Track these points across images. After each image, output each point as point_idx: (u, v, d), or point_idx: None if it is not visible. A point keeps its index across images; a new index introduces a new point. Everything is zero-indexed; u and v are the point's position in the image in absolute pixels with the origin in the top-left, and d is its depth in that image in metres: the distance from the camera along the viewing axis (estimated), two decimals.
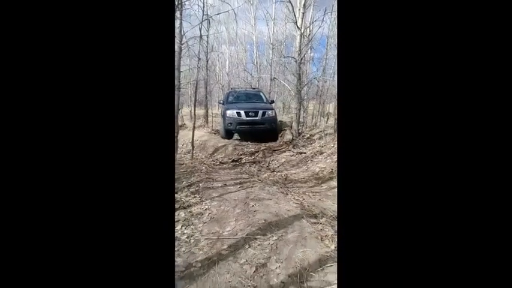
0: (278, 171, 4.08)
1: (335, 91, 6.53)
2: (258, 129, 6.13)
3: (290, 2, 5.58)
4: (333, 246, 1.63)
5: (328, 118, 7.15)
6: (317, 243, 1.67)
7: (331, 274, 1.37)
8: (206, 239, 1.81)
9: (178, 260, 1.59)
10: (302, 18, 6.00)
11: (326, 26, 7.99)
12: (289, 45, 10.41)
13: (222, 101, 7.47)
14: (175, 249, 1.72)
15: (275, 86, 9.90)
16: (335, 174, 3.66)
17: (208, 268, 1.50)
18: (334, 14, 7.33)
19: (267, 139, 6.25)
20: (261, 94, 7.55)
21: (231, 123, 5.99)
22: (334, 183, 3.34)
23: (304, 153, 4.99)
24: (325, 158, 4.50)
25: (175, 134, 3.99)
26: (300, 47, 6.06)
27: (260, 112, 6.03)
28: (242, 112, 5.97)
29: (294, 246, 1.63)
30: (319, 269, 1.42)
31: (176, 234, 1.91)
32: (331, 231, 1.84)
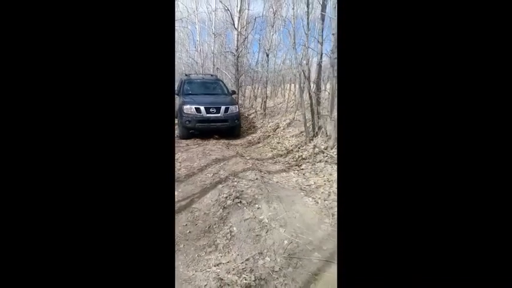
0: (222, 140, 5.69)
1: (264, 79, 8.21)
2: (220, 127, 5.34)
3: (228, 10, 6.95)
4: (250, 165, 3.36)
5: (262, 102, 8.88)
6: (243, 164, 3.38)
7: (248, 173, 3.08)
8: (184, 168, 3.35)
9: (176, 175, 3.10)
10: (239, 20, 7.47)
11: (259, 26, 9.60)
12: (230, 35, 11.56)
13: (176, 91, 5.94)
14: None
15: (218, 74, 11.18)
16: (261, 140, 5.48)
17: (189, 177, 3.06)
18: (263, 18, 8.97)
19: (229, 137, 5.56)
20: (221, 83, 6.56)
21: (189, 121, 5.10)
22: (260, 144, 5.13)
23: (242, 127, 6.68)
24: (256, 130, 6.31)
25: None
26: (237, 43, 7.57)
27: (222, 108, 5.26)
28: (202, 108, 5.14)
29: (232, 166, 3.31)
30: (242, 172, 3.12)
31: None
32: (251, 161, 3.57)
